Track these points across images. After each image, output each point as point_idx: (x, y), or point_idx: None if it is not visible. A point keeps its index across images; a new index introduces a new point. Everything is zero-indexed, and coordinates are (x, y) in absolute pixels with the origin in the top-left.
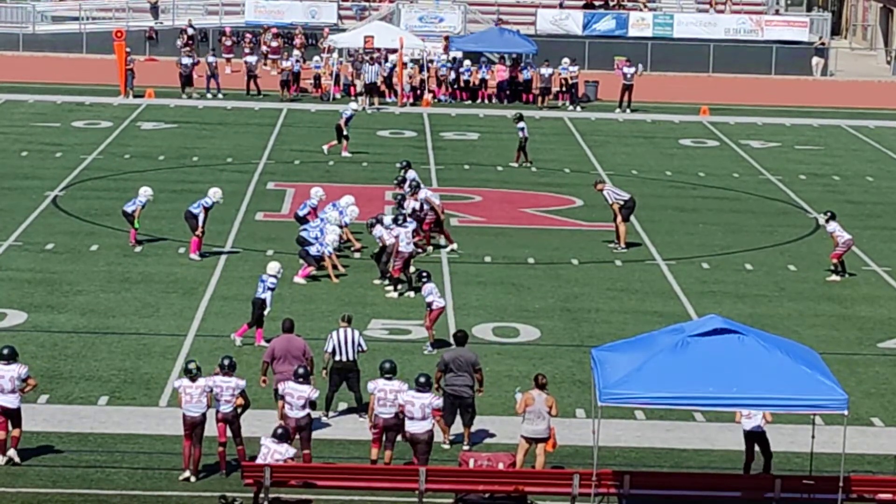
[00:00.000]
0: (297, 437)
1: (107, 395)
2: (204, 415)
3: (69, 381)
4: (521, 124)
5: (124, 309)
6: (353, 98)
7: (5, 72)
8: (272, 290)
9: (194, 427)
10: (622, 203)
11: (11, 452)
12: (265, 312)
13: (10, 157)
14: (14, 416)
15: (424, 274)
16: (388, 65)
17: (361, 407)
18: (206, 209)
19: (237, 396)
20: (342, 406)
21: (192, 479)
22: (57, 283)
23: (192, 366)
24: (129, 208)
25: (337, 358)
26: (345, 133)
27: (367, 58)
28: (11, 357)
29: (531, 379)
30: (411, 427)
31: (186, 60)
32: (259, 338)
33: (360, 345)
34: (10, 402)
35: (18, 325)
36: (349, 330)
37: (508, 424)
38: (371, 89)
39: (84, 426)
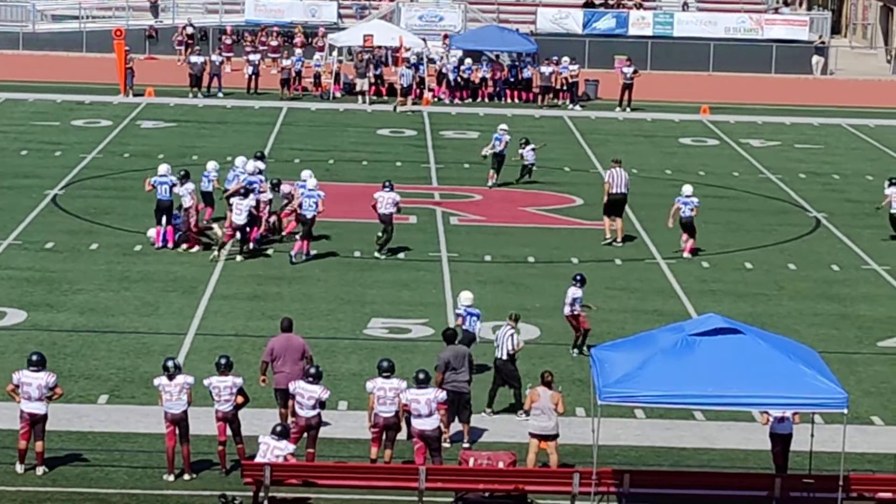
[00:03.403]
0: (306, 435)
1: (106, 394)
2: (185, 412)
3: (69, 380)
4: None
5: (124, 308)
6: (357, 94)
7: (5, 70)
8: None
9: (176, 424)
10: (610, 193)
11: (39, 471)
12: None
13: (10, 156)
14: (41, 423)
15: (578, 277)
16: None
17: (518, 405)
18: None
19: (236, 395)
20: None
21: (186, 476)
22: (56, 282)
23: (170, 363)
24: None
25: (496, 355)
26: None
27: (402, 60)
28: (40, 364)
29: (532, 378)
30: (420, 424)
31: (195, 59)
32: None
33: (507, 344)
34: (38, 408)
35: (18, 323)
36: (507, 329)
37: (509, 423)
38: (406, 92)
39: (83, 425)
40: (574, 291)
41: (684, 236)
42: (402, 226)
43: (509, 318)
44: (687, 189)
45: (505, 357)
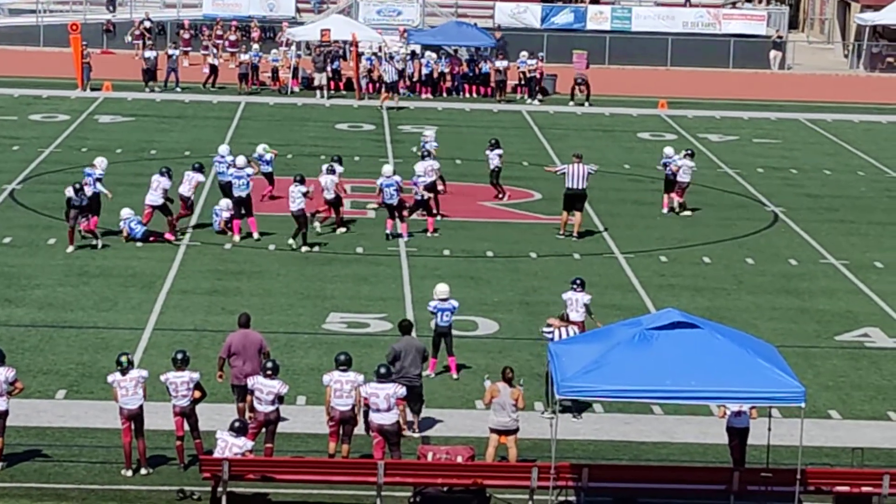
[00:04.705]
0: (264, 430)
1: (65, 389)
2: (141, 406)
3: (27, 375)
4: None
5: (82, 303)
6: (316, 90)
7: None
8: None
9: (133, 419)
10: (567, 187)
11: None
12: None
13: None
14: (1, 419)
15: (578, 280)
16: (398, 59)
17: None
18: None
19: (193, 390)
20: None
21: (143, 471)
22: (14, 277)
23: (123, 359)
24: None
25: None
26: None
27: (385, 56)
28: None
29: (488, 372)
30: (378, 419)
31: (149, 54)
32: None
33: None
34: None
35: None
36: (568, 329)
37: (466, 417)
38: (391, 88)
39: (42, 420)
40: (585, 297)
41: (665, 196)
42: (360, 220)
43: (562, 319)
44: (668, 151)
45: None
